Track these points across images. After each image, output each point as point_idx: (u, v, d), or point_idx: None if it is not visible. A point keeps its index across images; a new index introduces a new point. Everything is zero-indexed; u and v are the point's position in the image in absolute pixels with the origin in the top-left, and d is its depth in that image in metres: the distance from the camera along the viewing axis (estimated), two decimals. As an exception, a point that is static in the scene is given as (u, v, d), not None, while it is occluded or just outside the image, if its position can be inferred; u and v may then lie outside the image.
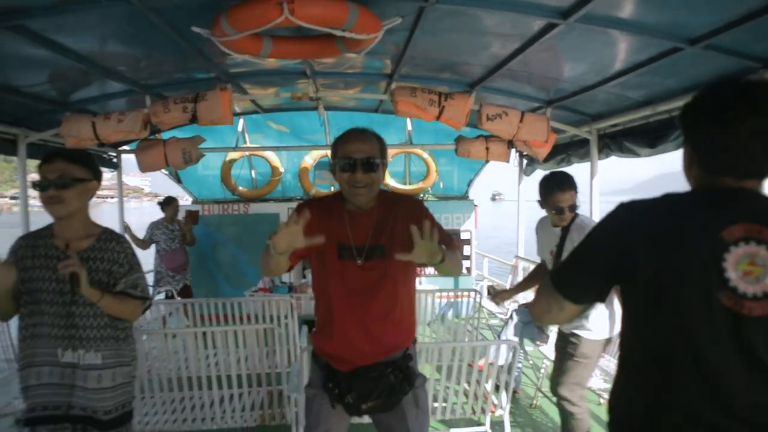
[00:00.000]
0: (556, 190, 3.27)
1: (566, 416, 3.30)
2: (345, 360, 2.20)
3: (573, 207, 3.27)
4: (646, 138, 4.51)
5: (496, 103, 5.23)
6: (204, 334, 3.52)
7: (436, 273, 2.26)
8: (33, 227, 2.42)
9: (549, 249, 3.48)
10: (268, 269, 2.11)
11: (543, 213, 3.51)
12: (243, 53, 3.34)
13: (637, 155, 4.72)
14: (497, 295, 3.77)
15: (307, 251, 2.17)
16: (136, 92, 4.96)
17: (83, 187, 2.22)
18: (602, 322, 3.29)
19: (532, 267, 6.82)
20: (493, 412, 3.63)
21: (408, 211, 2.25)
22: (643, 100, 4.48)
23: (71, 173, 2.17)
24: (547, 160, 6.00)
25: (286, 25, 2.80)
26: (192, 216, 7.16)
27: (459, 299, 7.81)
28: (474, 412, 3.66)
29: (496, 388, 3.75)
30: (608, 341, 3.37)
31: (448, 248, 2.13)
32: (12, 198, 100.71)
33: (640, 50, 3.57)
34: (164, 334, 3.62)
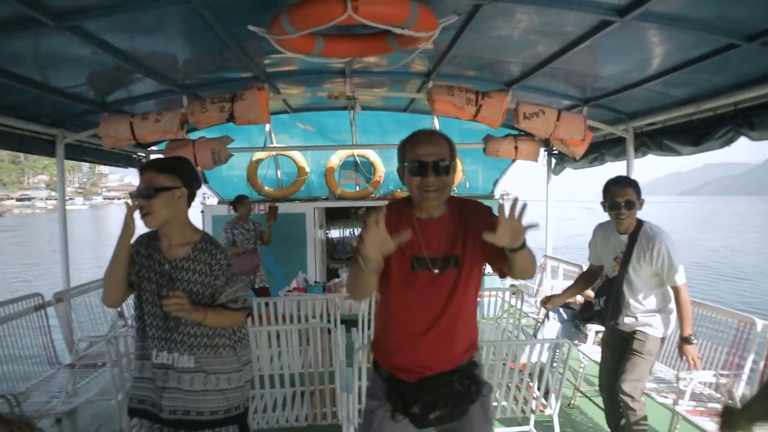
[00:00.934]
0: (612, 185, 3.30)
1: (627, 412, 3.29)
2: (412, 371, 2.13)
3: (630, 204, 3.25)
4: (690, 136, 4.48)
5: (532, 102, 5.22)
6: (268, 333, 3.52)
7: (509, 274, 2.09)
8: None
9: (613, 255, 3.45)
10: (360, 291, 2.07)
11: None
12: (296, 52, 3.35)
13: (679, 153, 4.69)
14: (549, 300, 3.76)
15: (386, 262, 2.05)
16: (173, 92, 4.99)
17: (170, 195, 2.18)
18: (664, 321, 3.32)
19: (559, 266, 6.85)
20: (542, 411, 3.61)
21: (478, 218, 2.14)
22: (686, 97, 4.45)
23: (156, 183, 2.16)
24: (579, 159, 5.97)
25: (349, 23, 2.80)
26: (273, 212, 6.90)
27: (484, 299, 7.78)
28: (523, 412, 3.64)
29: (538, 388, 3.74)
30: (663, 340, 3.38)
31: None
32: (18, 200, 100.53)
33: (692, 47, 3.55)
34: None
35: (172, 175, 2.20)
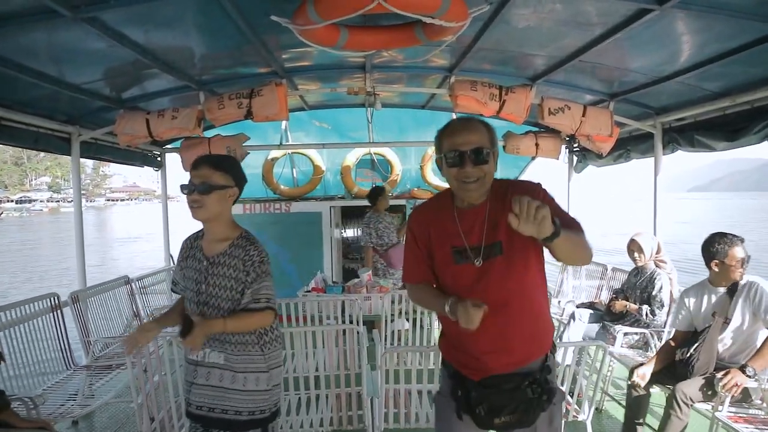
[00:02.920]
0: (718, 237, 3.51)
1: (671, 418, 3.31)
2: (474, 368, 2.03)
3: (743, 261, 3.43)
4: (724, 131, 4.31)
5: (557, 97, 5.07)
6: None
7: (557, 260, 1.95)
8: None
9: (711, 311, 3.55)
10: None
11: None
12: (319, 43, 3.24)
13: (712, 149, 4.51)
14: (641, 375, 3.66)
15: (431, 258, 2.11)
16: (190, 88, 4.90)
17: (224, 194, 2.26)
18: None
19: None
20: (575, 416, 3.47)
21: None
22: (719, 91, 4.29)
23: (212, 180, 2.23)
24: (605, 156, 5.82)
25: (378, 11, 2.68)
26: None
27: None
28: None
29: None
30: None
31: (571, 229, 1.82)
32: (18, 202, 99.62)
33: (731, 37, 3.40)
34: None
35: (227, 175, 2.27)
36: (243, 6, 3.19)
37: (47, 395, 3.79)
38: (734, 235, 3.53)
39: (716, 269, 3.52)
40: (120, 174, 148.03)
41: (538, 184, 2.06)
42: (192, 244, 2.39)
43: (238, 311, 2.25)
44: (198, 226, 2.40)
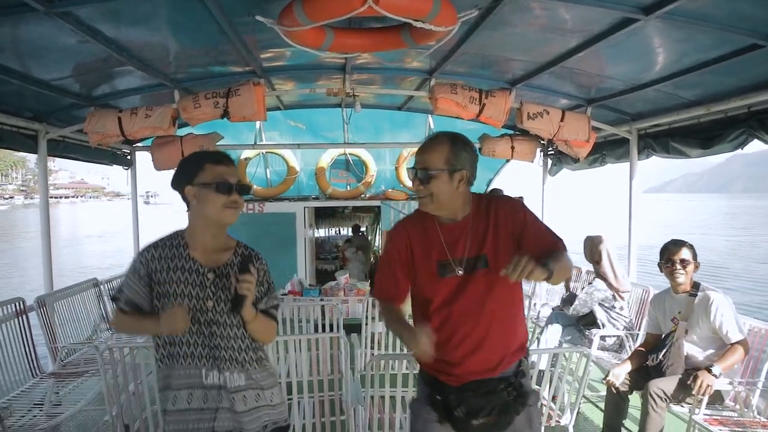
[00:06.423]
0: (670, 245, 3.63)
1: (649, 412, 3.37)
2: (452, 375, 2.08)
3: (684, 262, 3.55)
4: (698, 138, 4.41)
5: (535, 102, 5.10)
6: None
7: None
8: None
9: (671, 316, 3.68)
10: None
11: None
12: (305, 45, 3.17)
13: (687, 156, 4.61)
14: (618, 375, 3.70)
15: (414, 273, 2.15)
16: (164, 86, 4.75)
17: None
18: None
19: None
20: (558, 421, 3.49)
21: (507, 213, 2.11)
22: (695, 99, 4.38)
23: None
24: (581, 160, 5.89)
25: (368, 14, 2.63)
26: None
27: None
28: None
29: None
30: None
31: (555, 253, 1.98)
32: None
33: (711, 48, 3.46)
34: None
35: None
36: (226, 4, 3.09)
37: (12, 404, 3.62)
38: (678, 240, 3.67)
39: (663, 273, 3.69)
40: (66, 169, 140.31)
41: (520, 200, 2.22)
42: (173, 253, 2.05)
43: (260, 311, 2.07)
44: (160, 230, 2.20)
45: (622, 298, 4.67)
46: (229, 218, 2.02)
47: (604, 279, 4.64)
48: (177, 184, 2.04)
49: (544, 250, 2.00)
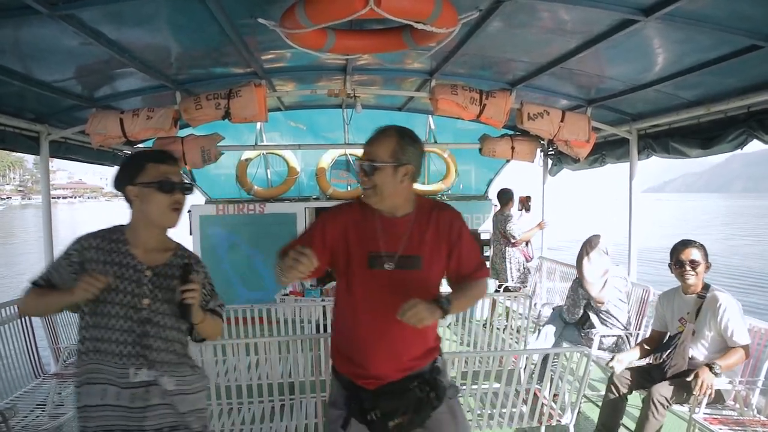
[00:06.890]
0: (679, 245, 3.57)
1: (649, 418, 3.36)
2: (369, 377, 2.08)
3: (694, 263, 3.49)
4: (698, 138, 4.42)
5: (536, 102, 5.12)
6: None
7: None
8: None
9: (679, 316, 3.64)
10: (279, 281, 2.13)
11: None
12: (306, 47, 3.18)
13: (687, 156, 4.63)
14: (621, 360, 3.67)
15: (333, 260, 2.15)
16: (166, 88, 4.77)
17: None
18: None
19: (556, 268, 6.78)
20: (559, 421, 3.51)
21: (447, 221, 2.15)
22: (694, 99, 4.39)
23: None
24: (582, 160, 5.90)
25: (369, 17, 2.64)
26: (525, 203, 7.11)
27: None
28: (537, 421, 3.53)
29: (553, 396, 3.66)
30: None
31: (472, 279, 2.13)
32: None
33: (711, 48, 3.48)
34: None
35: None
36: (228, 6, 3.11)
37: (16, 405, 3.63)
38: (688, 240, 3.61)
39: (673, 274, 3.65)
40: (64, 170, 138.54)
41: (458, 215, 2.22)
42: (112, 247, 2.00)
43: (206, 310, 2.08)
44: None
45: (600, 304, 4.54)
46: (172, 222, 2.03)
47: (582, 283, 4.60)
48: (118, 183, 2.02)
49: (465, 273, 2.14)
